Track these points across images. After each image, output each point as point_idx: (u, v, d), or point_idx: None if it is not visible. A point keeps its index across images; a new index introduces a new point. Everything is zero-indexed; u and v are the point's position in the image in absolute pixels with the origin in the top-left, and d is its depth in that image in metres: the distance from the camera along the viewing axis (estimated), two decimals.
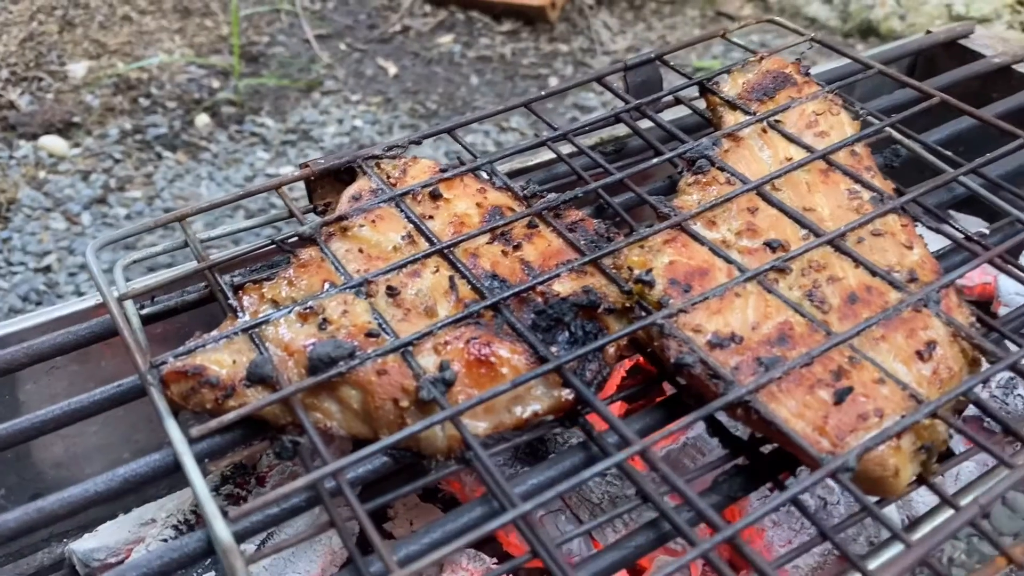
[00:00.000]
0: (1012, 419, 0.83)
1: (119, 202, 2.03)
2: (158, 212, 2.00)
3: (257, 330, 0.62)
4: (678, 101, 0.91)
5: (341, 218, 0.71)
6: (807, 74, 0.86)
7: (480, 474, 0.55)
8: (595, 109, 2.39)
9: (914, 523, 0.59)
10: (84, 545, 0.75)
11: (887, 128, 0.80)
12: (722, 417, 0.62)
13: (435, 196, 0.73)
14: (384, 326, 0.62)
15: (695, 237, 0.68)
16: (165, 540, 0.73)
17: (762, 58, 0.88)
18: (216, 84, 2.44)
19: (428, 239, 0.69)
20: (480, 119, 0.86)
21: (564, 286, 0.65)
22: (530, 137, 0.81)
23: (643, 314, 0.63)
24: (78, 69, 2.40)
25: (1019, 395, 0.89)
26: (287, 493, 0.53)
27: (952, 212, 1.21)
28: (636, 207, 0.78)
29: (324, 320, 0.62)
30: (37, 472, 0.90)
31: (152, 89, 2.39)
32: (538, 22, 2.80)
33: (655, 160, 0.78)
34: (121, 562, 0.72)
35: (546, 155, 0.92)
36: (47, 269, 1.85)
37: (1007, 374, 0.88)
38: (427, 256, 0.67)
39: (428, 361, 0.60)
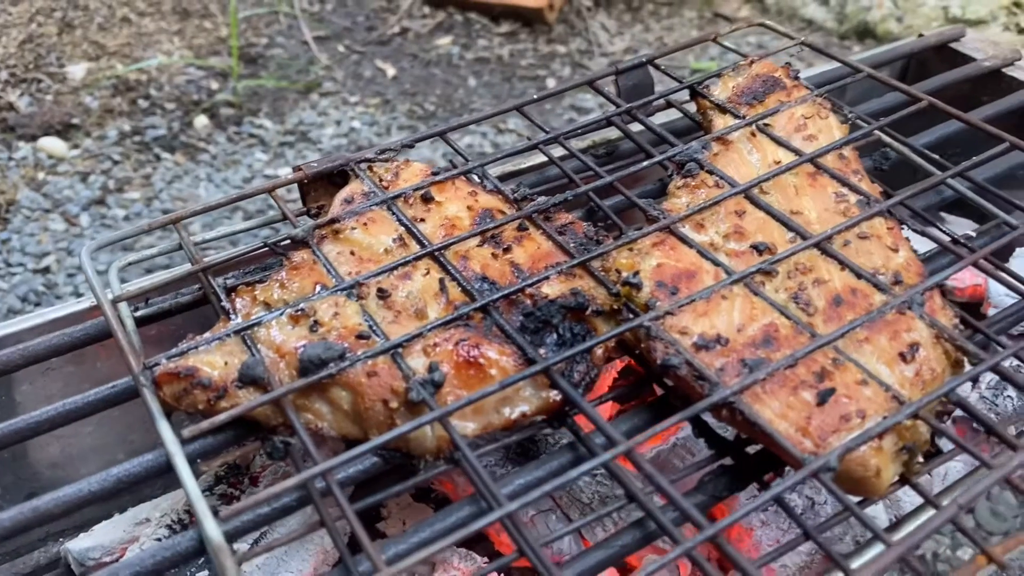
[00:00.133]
0: (998, 420, 0.84)
1: (118, 203, 2.04)
2: (156, 213, 2.01)
3: (249, 332, 0.62)
4: (669, 105, 0.92)
5: (333, 221, 0.71)
6: (796, 78, 0.87)
7: (468, 474, 0.56)
8: (592, 110, 2.40)
9: (897, 522, 0.60)
10: (79, 544, 0.76)
11: (875, 131, 0.81)
12: (709, 418, 0.63)
13: (427, 199, 0.74)
14: (375, 328, 0.62)
15: (683, 240, 0.69)
16: (159, 539, 0.74)
17: (752, 62, 0.89)
18: (215, 85, 2.45)
19: (419, 242, 0.70)
20: (472, 122, 0.86)
21: (553, 288, 0.66)
22: (527, 139, 0.82)
23: (630, 316, 0.64)
24: (77, 71, 2.41)
25: (1009, 396, 0.90)
26: (277, 493, 0.54)
27: (944, 214, 1.22)
28: (626, 210, 0.79)
29: (315, 322, 0.63)
30: (33, 472, 0.91)
31: (151, 91, 2.40)
32: (536, 24, 2.81)
33: (645, 163, 0.79)
34: (116, 561, 0.73)
35: (538, 158, 0.92)
36: (46, 270, 1.86)
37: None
38: (418, 258, 0.68)
39: (418, 363, 0.61)
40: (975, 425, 0.87)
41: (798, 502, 0.76)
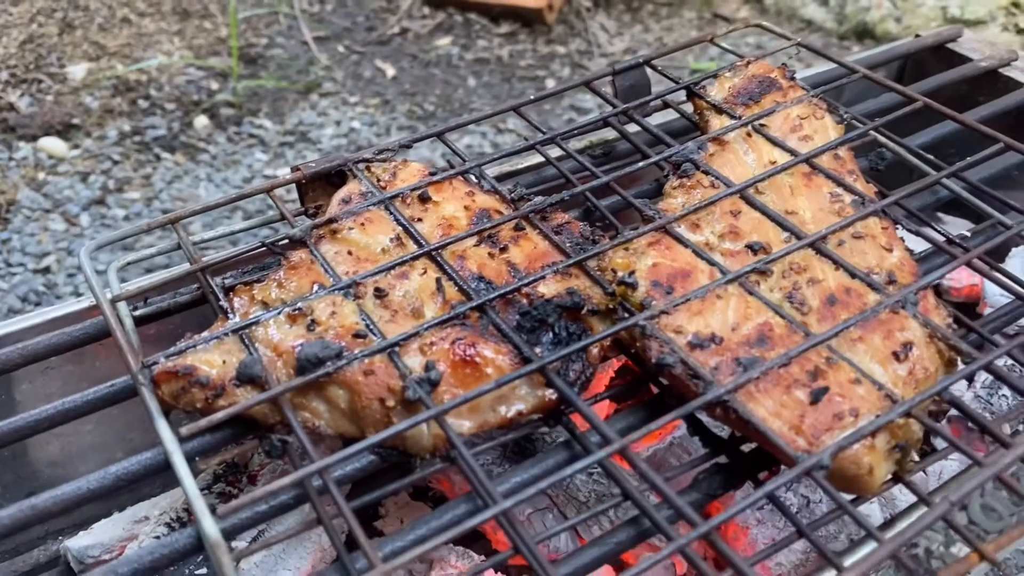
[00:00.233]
0: (992, 419, 0.84)
1: (118, 203, 2.04)
2: (156, 213, 2.01)
3: (247, 331, 0.63)
4: (666, 105, 0.92)
5: (331, 221, 0.72)
6: (792, 78, 0.87)
7: (464, 472, 0.57)
8: (591, 110, 2.40)
9: (891, 520, 0.60)
10: (79, 542, 0.76)
11: (871, 132, 0.81)
12: (703, 417, 0.64)
13: (424, 199, 0.74)
14: (371, 327, 0.63)
15: (679, 239, 0.69)
16: (157, 537, 0.75)
17: (749, 63, 0.90)
18: (215, 86, 2.45)
19: (416, 241, 0.70)
20: (470, 123, 0.87)
21: (549, 288, 0.66)
22: (525, 139, 0.82)
23: (626, 315, 0.64)
24: (77, 71, 2.41)
25: (1003, 395, 0.90)
26: (274, 490, 0.54)
27: (941, 215, 1.22)
28: (623, 210, 0.80)
29: (313, 321, 0.63)
30: (33, 471, 0.91)
31: (151, 91, 2.40)
32: (535, 24, 2.81)
33: (641, 164, 0.80)
34: (115, 559, 0.73)
35: (535, 158, 0.93)
36: (46, 270, 1.87)
37: None
38: (415, 258, 0.68)
39: (414, 361, 0.61)
40: (970, 424, 0.87)
41: (793, 501, 0.77)
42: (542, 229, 0.72)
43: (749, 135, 0.80)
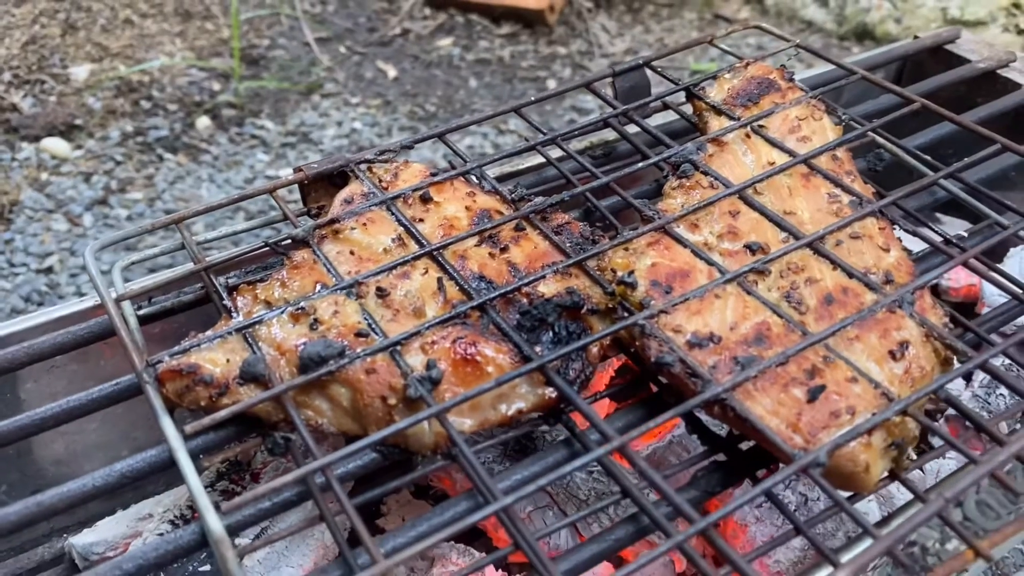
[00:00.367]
0: (990, 418, 0.85)
1: (120, 203, 2.05)
2: (159, 213, 2.02)
3: (250, 330, 0.63)
4: (666, 106, 0.93)
5: (333, 221, 0.73)
6: (791, 80, 0.88)
7: (465, 469, 0.57)
8: (592, 111, 2.41)
9: (887, 517, 0.61)
10: (83, 539, 0.77)
11: (869, 133, 0.82)
12: (702, 415, 0.64)
13: (425, 199, 0.75)
14: (373, 326, 0.64)
15: (678, 240, 0.70)
16: (161, 534, 0.75)
17: (748, 64, 0.90)
18: (217, 87, 2.46)
19: (418, 241, 0.71)
20: (471, 124, 0.87)
21: (549, 287, 0.67)
22: (526, 140, 0.83)
23: (625, 315, 0.65)
24: (80, 72, 2.42)
25: (1001, 395, 0.91)
26: (277, 487, 0.55)
27: (940, 215, 1.23)
28: (623, 210, 0.80)
29: (315, 320, 0.64)
30: (38, 469, 0.92)
31: (153, 92, 2.41)
32: (537, 25, 2.82)
33: (640, 164, 0.80)
34: (119, 555, 0.74)
35: (536, 159, 0.94)
36: (49, 270, 1.88)
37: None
38: (416, 258, 0.69)
39: (416, 360, 0.62)
40: (967, 423, 0.88)
41: (791, 498, 0.78)
42: (542, 229, 0.72)
43: (748, 136, 0.81)
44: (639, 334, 0.63)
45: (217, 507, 0.55)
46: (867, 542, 0.57)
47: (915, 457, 0.61)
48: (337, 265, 0.69)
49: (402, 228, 0.72)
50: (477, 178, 0.79)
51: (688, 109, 0.91)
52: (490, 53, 2.71)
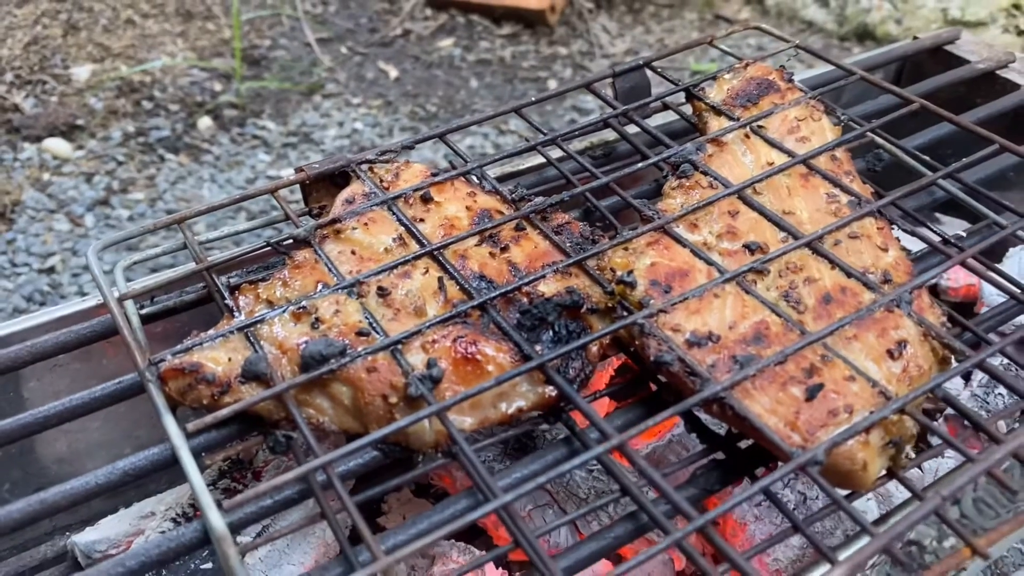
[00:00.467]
0: (988, 417, 0.85)
1: (122, 204, 2.06)
2: (160, 214, 2.03)
3: (252, 329, 0.64)
4: (666, 107, 0.93)
5: (334, 221, 0.73)
6: (790, 80, 0.88)
7: (465, 467, 0.58)
8: (593, 111, 2.42)
9: (885, 515, 0.61)
10: (86, 537, 0.77)
11: (868, 133, 0.82)
12: (701, 414, 0.65)
13: (426, 199, 0.75)
14: (374, 325, 0.64)
15: (677, 239, 0.70)
16: (164, 532, 0.76)
17: (747, 65, 0.91)
18: (218, 87, 2.47)
19: (419, 241, 0.71)
20: (471, 124, 0.88)
21: (549, 287, 0.67)
22: (526, 140, 0.83)
23: (625, 314, 0.65)
24: (82, 72, 2.43)
25: (1000, 394, 0.91)
26: (279, 485, 0.55)
27: (939, 215, 1.23)
28: (623, 210, 0.81)
29: (317, 319, 0.64)
30: (41, 467, 0.92)
31: (155, 92, 2.41)
32: (538, 25, 2.83)
33: (640, 164, 0.81)
34: (122, 553, 0.74)
35: (537, 159, 0.94)
36: (51, 270, 1.88)
37: None
38: (417, 258, 0.69)
39: (416, 359, 0.62)
40: (966, 422, 0.88)
41: (790, 497, 0.78)
42: (542, 229, 0.73)
43: (747, 136, 0.81)
44: (638, 333, 0.64)
45: (219, 505, 0.55)
46: (864, 540, 0.57)
47: (913, 456, 0.62)
48: (338, 264, 0.69)
49: (403, 228, 0.73)
50: (478, 178, 0.80)
51: (688, 109, 0.91)
52: (491, 53, 2.72)
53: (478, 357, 0.62)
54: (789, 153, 0.79)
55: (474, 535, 0.83)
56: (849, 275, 0.67)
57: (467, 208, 0.75)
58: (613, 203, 0.81)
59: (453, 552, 0.76)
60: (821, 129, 0.82)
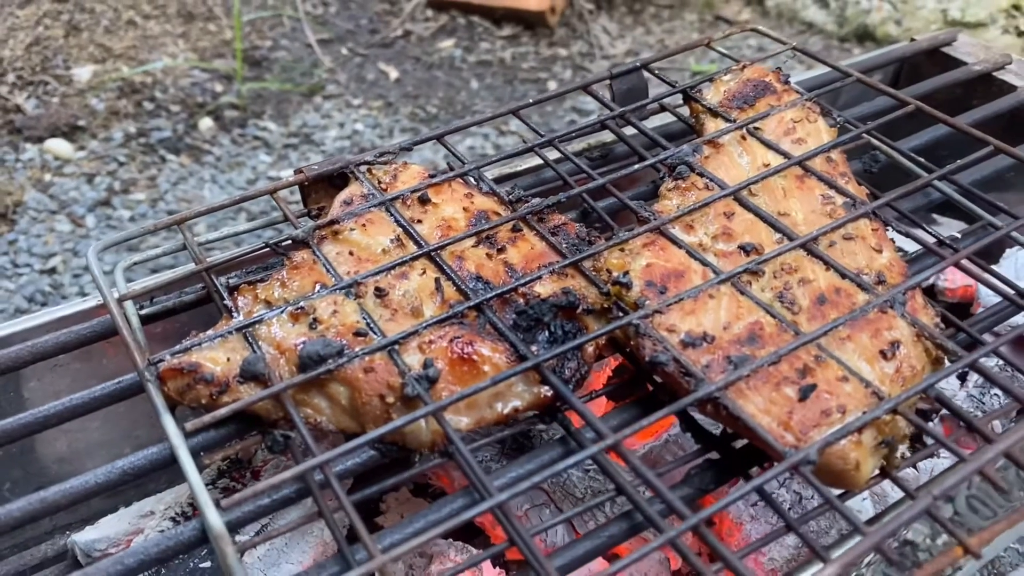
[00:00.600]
0: (983, 417, 0.86)
1: (123, 204, 2.06)
2: (162, 214, 2.03)
3: (251, 329, 0.64)
4: (663, 108, 0.94)
5: (333, 222, 0.74)
6: (787, 82, 0.89)
7: (461, 467, 0.58)
8: (592, 112, 2.42)
9: (879, 515, 0.62)
10: (86, 536, 0.78)
11: (863, 135, 0.83)
12: (696, 414, 0.65)
13: (423, 201, 0.76)
14: (372, 325, 0.64)
15: (673, 240, 0.71)
16: (163, 531, 0.76)
17: (744, 66, 0.91)
18: (219, 88, 2.47)
19: (416, 242, 0.72)
20: (469, 126, 0.88)
21: (545, 287, 0.68)
22: (530, 141, 0.84)
23: (620, 315, 0.66)
24: (83, 73, 2.43)
25: (995, 394, 0.92)
26: (276, 484, 0.56)
27: (937, 216, 1.24)
28: (620, 211, 0.81)
29: (315, 320, 0.65)
30: (41, 467, 0.93)
31: (156, 93, 2.42)
32: (538, 27, 2.83)
33: (637, 166, 0.81)
34: (121, 552, 0.75)
35: (534, 161, 0.94)
36: (52, 271, 1.89)
37: None
38: (415, 259, 0.70)
39: (413, 359, 0.62)
40: (961, 423, 0.89)
41: (786, 497, 0.78)
42: (539, 230, 0.73)
43: (743, 138, 0.81)
44: (634, 334, 0.64)
45: (217, 504, 0.55)
46: (857, 539, 0.58)
47: (909, 455, 0.62)
48: (336, 265, 0.70)
49: (401, 229, 0.73)
50: (475, 179, 0.80)
51: (685, 111, 0.92)
52: (491, 55, 2.72)
53: (474, 357, 0.62)
54: (785, 155, 0.79)
55: (472, 534, 0.84)
56: (843, 276, 0.67)
57: (464, 209, 0.76)
58: (610, 204, 0.81)
59: (451, 551, 0.77)
60: (817, 131, 0.83)
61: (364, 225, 0.73)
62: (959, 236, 0.81)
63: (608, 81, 0.96)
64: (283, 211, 0.79)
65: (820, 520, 0.78)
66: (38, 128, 2.24)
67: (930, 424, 0.60)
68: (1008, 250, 1.07)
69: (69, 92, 2.38)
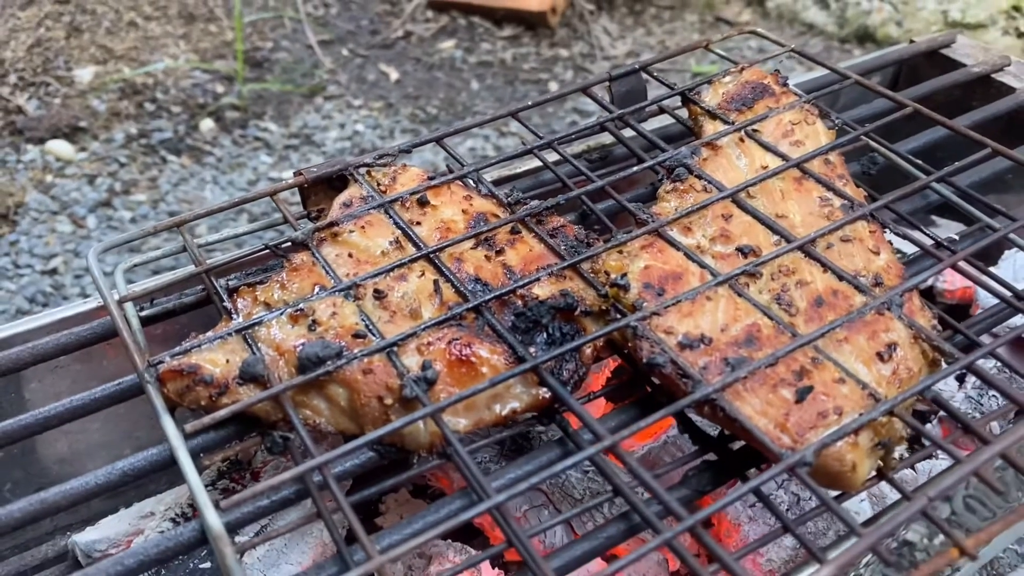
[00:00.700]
0: (981, 418, 0.86)
1: (124, 205, 2.07)
2: (163, 215, 2.04)
3: (250, 331, 0.65)
4: (662, 110, 0.94)
5: (332, 224, 0.74)
6: (785, 84, 0.89)
7: (459, 468, 0.58)
8: (593, 113, 2.42)
9: (876, 516, 0.62)
10: (86, 537, 0.78)
11: (861, 137, 0.83)
12: (693, 415, 0.65)
13: (422, 203, 0.76)
14: (371, 327, 0.65)
15: (671, 242, 0.71)
16: (163, 532, 0.77)
17: (743, 69, 0.91)
18: (220, 89, 2.48)
19: (415, 244, 0.72)
20: (468, 128, 0.89)
21: (543, 289, 0.68)
22: (529, 143, 0.84)
23: (618, 316, 0.66)
24: (85, 74, 2.44)
25: (993, 396, 0.92)
26: (275, 485, 0.56)
27: (936, 218, 1.24)
28: (618, 213, 0.81)
29: (314, 321, 0.65)
30: (41, 468, 0.93)
31: (157, 94, 2.43)
32: (539, 27, 2.83)
33: (635, 168, 0.81)
34: (121, 552, 0.75)
35: (533, 163, 0.95)
36: (53, 271, 1.89)
37: None
38: (413, 260, 0.70)
39: (412, 361, 0.63)
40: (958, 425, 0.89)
41: (784, 498, 0.79)
42: (537, 232, 0.73)
43: (742, 140, 0.82)
44: (631, 335, 0.64)
45: (216, 505, 0.56)
46: (854, 540, 0.58)
47: (906, 456, 0.62)
48: (336, 267, 0.70)
49: (399, 231, 0.74)
50: (474, 182, 0.81)
51: (684, 113, 0.92)
52: (492, 55, 2.72)
53: (472, 359, 0.62)
54: (783, 157, 0.79)
55: (471, 535, 0.84)
56: (841, 278, 0.67)
57: (463, 211, 0.76)
58: (608, 206, 0.82)
59: (450, 552, 0.77)
60: (815, 133, 0.83)
61: (363, 227, 0.74)
62: (957, 238, 0.81)
63: (607, 83, 0.96)
64: (283, 213, 0.79)
65: (818, 521, 0.78)
66: (39, 129, 2.25)
67: (928, 426, 0.60)
68: (1006, 252, 1.07)
69: (70, 93, 2.38)
